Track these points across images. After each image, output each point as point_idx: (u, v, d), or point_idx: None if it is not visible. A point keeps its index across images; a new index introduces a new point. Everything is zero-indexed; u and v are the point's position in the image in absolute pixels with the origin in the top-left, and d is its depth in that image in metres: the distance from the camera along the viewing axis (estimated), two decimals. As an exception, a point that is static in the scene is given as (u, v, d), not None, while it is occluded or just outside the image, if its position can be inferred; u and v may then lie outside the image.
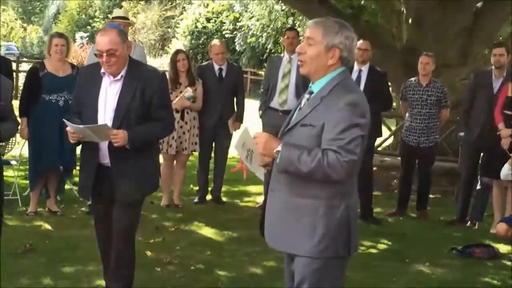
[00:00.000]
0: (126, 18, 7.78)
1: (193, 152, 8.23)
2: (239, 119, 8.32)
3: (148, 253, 6.05)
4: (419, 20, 10.48)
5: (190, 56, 8.92)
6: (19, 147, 8.16)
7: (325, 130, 3.08)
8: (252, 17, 26.77)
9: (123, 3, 38.87)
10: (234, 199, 8.82)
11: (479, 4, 10.63)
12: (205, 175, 8.41)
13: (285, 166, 3.11)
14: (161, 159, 8.04)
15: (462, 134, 8.02)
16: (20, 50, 42.40)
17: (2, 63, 7.11)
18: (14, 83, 5.28)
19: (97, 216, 4.83)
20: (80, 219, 7.15)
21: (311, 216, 3.17)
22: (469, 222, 7.86)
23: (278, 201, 3.28)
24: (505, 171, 6.70)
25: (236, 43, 30.85)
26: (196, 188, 8.64)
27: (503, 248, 6.74)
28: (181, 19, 37.42)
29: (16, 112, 4.83)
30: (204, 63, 8.96)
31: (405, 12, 11.09)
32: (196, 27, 34.57)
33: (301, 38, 9.51)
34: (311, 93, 3.27)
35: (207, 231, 7.05)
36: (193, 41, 34.50)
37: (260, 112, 8.21)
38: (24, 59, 33.32)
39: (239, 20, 29.75)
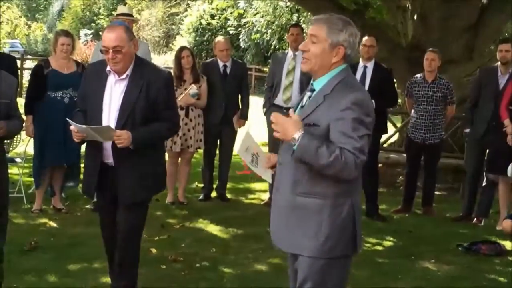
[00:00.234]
0: (130, 15, 7.78)
1: (198, 149, 8.23)
2: (244, 116, 8.32)
3: (153, 250, 6.05)
4: (424, 16, 10.44)
5: (194, 53, 8.90)
6: (24, 145, 8.17)
7: (333, 130, 3.04)
8: (257, 13, 26.73)
9: (127, 0, 38.92)
10: (239, 196, 8.81)
11: (484, 0, 10.59)
12: (210, 172, 8.41)
13: (302, 154, 3.02)
14: (165, 156, 8.05)
15: (467, 130, 7.99)
16: (25, 48, 42.52)
17: (7, 60, 7.11)
18: (19, 80, 5.27)
19: (101, 215, 4.79)
20: (85, 217, 7.15)
21: (316, 216, 3.14)
22: (475, 219, 7.84)
23: (282, 200, 3.25)
24: (511, 167, 6.68)
25: (240, 40, 30.83)
26: (201, 185, 8.64)
27: (509, 244, 6.72)
28: (186, 16, 37.43)
29: (21, 110, 4.81)
30: (209, 60, 8.97)
31: (410, 8, 11.05)
32: (201, 24, 34.58)
33: (305, 34, 9.49)
34: (312, 90, 3.23)
35: (212, 228, 7.05)
36: (197, 38, 34.52)
37: (264, 109, 8.20)
38: (29, 56, 33.35)
39: (244, 16, 29.71)
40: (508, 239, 6.68)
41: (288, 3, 22.42)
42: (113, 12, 8.33)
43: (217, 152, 8.51)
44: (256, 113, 9.29)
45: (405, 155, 8.71)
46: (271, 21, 25.46)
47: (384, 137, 9.37)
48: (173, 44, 37.29)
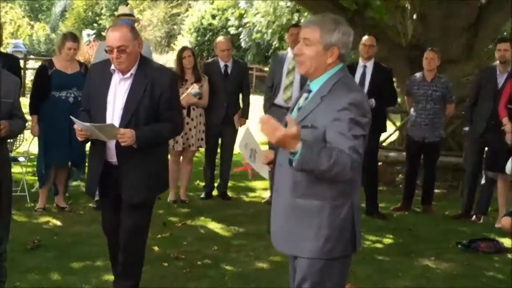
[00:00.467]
0: (131, 15, 7.81)
1: (200, 148, 8.27)
2: (245, 115, 8.37)
3: (155, 248, 6.09)
4: (423, 16, 10.47)
5: (195, 53, 8.95)
6: (27, 144, 8.21)
7: (330, 130, 3.03)
8: (257, 13, 26.74)
9: (129, 1, 38.93)
10: (240, 195, 8.85)
11: (483, 0, 10.62)
12: (211, 171, 8.45)
13: (302, 166, 2.95)
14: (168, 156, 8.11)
15: (467, 129, 8.03)
16: (27, 48, 42.49)
17: (10, 60, 7.15)
18: (22, 80, 5.31)
19: (103, 214, 4.79)
20: (88, 215, 7.20)
21: (316, 218, 3.14)
22: (474, 217, 7.88)
23: (282, 202, 3.25)
24: (510, 165, 6.71)
25: (241, 40, 30.83)
26: (203, 183, 8.68)
27: (508, 242, 6.75)
28: (187, 16, 37.42)
29: (24, 110, 4.84)
30: (210, 59, 8.99)
31: (409, 8, 11.08)
32: (202, 24, 34.58)
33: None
34: (309, 91, 3.23)
35: (214, 227, 7.09)
36: (198, 38, 34.52)
37: (264, 109, 8.23)
38: (31, 56, 33.40)
39: (244, 16, 29.71)
40: (507, 237, 6.71)
41: (289, 3, 22.44)
42: (115, 13, 8.34)
43: (219, 151, 8.55)
44: (257, 112, 9.31)
45: (404, 153, 8.75)
46: (271, 21, 25.46)
47: (383, 136, 9.41)
48: (174, 44, 37.28)
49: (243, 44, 31.18)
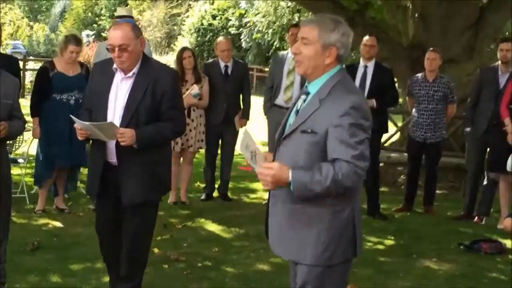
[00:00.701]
0: (130, 17, 7.76)
1: (200, 149, 8.25)
2: (245, 116, 8.35)
3: (156, 250, 6.06)
4: (425, 15, 10.45)
5: (196, 54, 8.92)
6: (26, 146, 8.19)
7: (330, 136, 2.99)
8: (258, 13, 26.75)
9: (129, 1, 38.93)
10: (241, 196, 8.84)
11: (484, 0, 10.61)
12: (211, 172, 8.43)
13: (301, 193, 2.99)
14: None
15: (468, 129, 8.00)
16: (27, 49, 42.51)
17: (9, 61, 7.13)
18: (21, 81, 5.31)
19: (98, 214, 4.72)
20: (87, 217, 7.17)
21: (316, 224, 3.10)
22: (476, 218, 7.86)
23: (281, 208, 3.20)
24: (510, 162, 6.68)
25: (242, 40, 30.83)
26: (203, 185, 8.66)
27: (510, 243, 6.74)
28: (187, 17, 37.42)
29: (24, 111, 4.82)
30: (210, 60, 8.97)
31: (410, 7, 11.07)
32: (202, 24, 34.58)
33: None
34: (307, 93, 3.19)
35: (214, 228, 7.07)
36: (199, 39, 34.51)
37: (265, 110, 8.21)
38: (31, 57, 33.38)
39: (245, 16, 29.72)
40: (509, 238, 6.70)
41: (289, 3, 22.44)
42: (115, 13, 8.29)
43: (219, 152, 8.53)
44: (257, 113, 9.30)
45: (406, 154, 8.73)
46: (272, 21, 25.47)
47: (385, 137, 9.39)
48: (174, 44, 37.28)
49: (243, 45, 31.19)
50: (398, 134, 11.05)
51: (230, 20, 32.35)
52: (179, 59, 7.97)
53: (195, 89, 7.76)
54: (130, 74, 4.31)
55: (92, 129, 4.22)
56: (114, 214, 4.51)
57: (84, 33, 43.56)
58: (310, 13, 16.01)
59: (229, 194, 8.57)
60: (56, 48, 7.43)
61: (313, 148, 3.04)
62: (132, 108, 4.27)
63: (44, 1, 57.24)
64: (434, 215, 8.12)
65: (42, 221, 6.98)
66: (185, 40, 35.10)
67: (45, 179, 7.24)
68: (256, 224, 7.10)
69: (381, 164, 8.95)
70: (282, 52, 8.49)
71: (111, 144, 4.32)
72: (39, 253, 5.88)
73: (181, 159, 8.15)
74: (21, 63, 18.12)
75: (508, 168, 6.65)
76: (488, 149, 7.80)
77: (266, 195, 8.55)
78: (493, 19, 10.44)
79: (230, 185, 8.73)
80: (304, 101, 3.18)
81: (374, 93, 7.44)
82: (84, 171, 7.69)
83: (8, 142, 6.10)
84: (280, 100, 7.90)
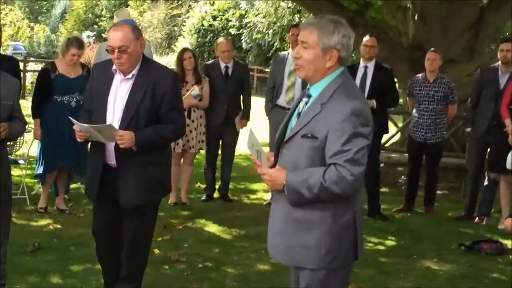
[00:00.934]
0: None
1: (200, 150, 8.24)
2: (246, 116, 8.34)
3: (156, 251, 6.06)
4: (425, 16, 10.45)
5: (196, 54, 8.92)
6: (26, 147, 8.19)
7: (329, 142, 2.97)
8: (258, 14, 26.74)
9: (130, 2, 38.93)
10: (241, 197, 8.83)
11: (484, 0, 10.61)
12: (212, 172, 8.43)
13: (294, 198, 3.03)
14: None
15: (468, 129, 8.00)
16: (27, 50, 42.52)
17: (9, 62, 7.12)
18: (21, 82, 5.30)
19: (96, 215, 4.68)
20: (88, 218, 7.13)
21: (317, 228, 3.09)
22: (476, 218, 7.85)
23: (281, 212, 3.18)
24: (510, 159, 6.68)
25: (242, 41, 30.82)
26: (203, 186, 8.65)
27: (511, 243, 6.73)
28: (187, 17, 37.42)
29: (24, 112, 4.81)
30: (210, 61, 8.97)
31: (411, 8, 11.07)
32: (202, 25, 34.58)
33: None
34: (309, 96, 3.16)
35: (215, 229, 7.07)
36: (199, 39, 34.51)
37: (266, 110, 8.21)
38: (31, 58, 33.41)
39: (245, 16, 29.71)
40: (510, 238, 6.69)
41: (290, 4, 22.42)
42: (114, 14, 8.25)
43: (219, 152, 8.53)
44: (258, 113, 9.31)
45: (406, 154, 8.72)
46: (272, 22, 25.46)
47: (385, 137, 9.38)
48: (175, 45, 37.28)
49: (244, 45, 31.17)
50: (399, 134, 11.04)
51: (230, 20, 32.34)
52: (180, 60, 7.97)
53: (195, 90, 7.76)
54: (130, 75, 4.28)
55: (91, 131, 4.20)
56: (113, 215, 4.49)
57: (85, 34, 43.62)
58: (310, 14, 16.02)
59: (229, 195, 8.56)
60: (58, 49, 7.40)
61: (313, 153, 3.03)
62: (131, 110, 4.25)
63: (45, 2, 57.23)
64: (435, 215, 8.12)
65: (43, 222, 6.97)
66: (185, 41, 35.11)
67: (46, 177, 7.23)
68: (257, 225, 7.09)
69: (381, 165, 8.94)
70: (283, 53, 8.49)
71: (110, 146, 4.30)
72: (40, 254, 5.87)
73: (182, 160, 8.14)
74: (21, 64, 18.17)
75: (508, 166, 6.67)
76: (488, 150, 7.80)
77: (266, 196, 8.58)
78: (494, 19, 10.44)
79: (231, 186, 8.73)
80: (306, 103, 3.15)
81: (374, 93, 7.43)
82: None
83: (8, 143, 6.11)
84: (281, 100, 7.90)
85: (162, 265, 5.72)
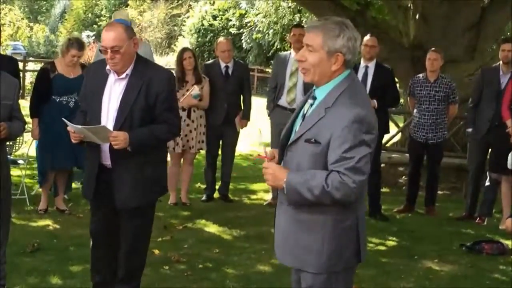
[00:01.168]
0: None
1: (200, 150, 8.23)
2: (246, 116, 8.33)
3: (156, 251, 6.05)
4: (426, 16, 10.44)
5: (196, 54, 8.91)
6: (26, 147, 8.17)
7: (331, 148, 2.95)
8: (259, 13, 26.73)
9: (129, 1, 38.93)
10: (241, 197, 8.82)
11: (485, 0, 10.60)
12: (212, 173, 8.41)
13: (293, 197, 3.02)
14: (168, 157, 8.05)
15: (470, 130, 7.98)
16: (27, 50, 42.48)
17: (9, 62, 7.10)
18: (21, 82, 5.26)
19: (93, 216, 4.67)
20: (87, 218, 7.05)
21: (320, 232, 3.07)
22: (478, 218, 7.84)
23: (286, 214, 3.18)
24: (510, 160, 6.67)
25: (243, 41, 30.82)
26: (204, 186, 8.64)
27: (512, 244, 6.73)
28: (187, 17, 37.45)
29: (24, 112, 4.80)
30: (211, 61, 8.96)
31: (412, 7, 11.06)
32: (203, 25, 34.59)
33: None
34: (314, 98, 3.13)
35: (215, 229, 7.05)
36: (199, 39, 34.52)
37: (268, 110, 8.19)
38: (31, 58, 33.37)
39: (246, 16, 29.71)
40: (511, 239, 6.67)
41: (290, 4, 22.42)
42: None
43: (219, 153, 8.51)
44: (258, 113, 9.29)
45: (407, 154, 8.71)
46: (273, 21, 25.45)
47: (386, 137, 9.38)
48: (175, 45, 37.29)
49: (244, 45, 31.18)
50: (400, 134, 11.04)
51: (230, 20, 32.35)
52: (180, 59, 7.95)
53: (195, 90, 7.75)
54: (124, 75, 4.26)
55: (84, 132, 4.18)
56: (111, 215, 4.48)
57: (84, 34, 43.60)
58: (311, 14, 16.00)
59: (229, 195, 8.55)
60: (58, 49, 7.36)
61: (316, 158, 3.01)
62: (125, 110, 4.22)
63: (44, 2, 57.24)
64: (436, 216, 8.11)
65: (42, 222, 6.96)
66: (185, 41, 35.12)
67: (45, 178, 7.22)
68: (257, 225, 7.09)
69: (382, 165, 8.94)
70: (284, 53, 8.48)
71: (105, 147, 4.28)
72: (39, 255, 5.86)
73: (182, 160, 8.12)
74: (21, 64, 18.17)
75: (509, 166, 6.66)
76: (489, 150, 7.78)
77: (266, 196, 8.57)
78: (494, 19, 10.43)
79: (231, 186, 8.71)
80: (311, 105, 3.12)
81: (375, 93, 7.41)
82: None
83: (8, 143, 6.10)
84: (283, 101, 7.89)
85: (162, 265, 5.70)
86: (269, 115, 8.20)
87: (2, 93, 4.40)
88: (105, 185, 4.34)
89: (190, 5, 37.87)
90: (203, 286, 5.30)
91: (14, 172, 7.43)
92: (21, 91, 5.74)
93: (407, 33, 11.20)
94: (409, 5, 11.22)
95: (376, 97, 7.37)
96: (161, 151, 4.58)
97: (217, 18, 34.00)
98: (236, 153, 8.61)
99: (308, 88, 7.61)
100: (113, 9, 42.00)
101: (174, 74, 7.92)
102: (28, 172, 8.40)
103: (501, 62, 7.61)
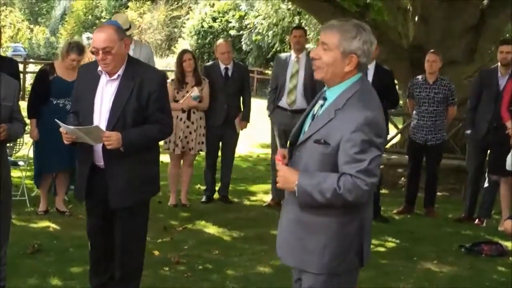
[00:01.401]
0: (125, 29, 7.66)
1: (200, 152, 8.24)
2: (246, 118, 8.34)
3: (156, 252, 6.06)
4: (425, 17, 10.46)
5: (196, 56, 8.91)
6: (26, 148, 8.18)
7: (341, 150, 2.95)
8: (258, 15, 26.72)
9: (130, 3, 38.93)
10: (241, 198, 8.82)
11: (485, 1, 10.61)
12: (212, 174, 8.42)
13: (304, 200, 2.99)
14: (168, 159, 8.07)
15: (468, 131, 8.00)
16: (27, 51, 42.49)
17: (9, 64, 7.11)
18: (21, 84, 5.26)
19: (88, 216, 4.68)
20: (88, 219, 7.16)
21: (323, 234, 3.07)
22: (477, 220, 7.85)
23: (291, 214, 3.18)
24: (510, 160, 6.67)
25: (242, 43, 30.81)
26: (203, 187, 8.64)
27: (511, 245, 6.72)
28: (187, 19, 37.43)
29: (23, 113, 4.81)
30: (210, 62, 8.97)
31: (411, 9, 11.07)
32: (202, 26, 34.58)
33: (308, 36, 9.50)
34: (325, 99, 3.12)
35: (215, 230, 7.06)
36: (199, 41, 34.50)
37: (269, 111, 8.20)
38: (31, 60, 33.36)
39: (245, 18, 29.69)
40: (510, 240, 6.67)
41: (290, 6, 22.42)
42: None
43: (219, 154, 8.52)
44: (258, 115, 9.29)
45: (406, 156, 8.72)
46: (272, 23, 25.44)
47: (386, 139, 9.36)
48: (175, 47, 37.26)
49: (244, 47, 31.15)
50: (399, 136, 11.05)
51: (230, 22, 32.33)
52: (179, 61, 7.96)
53: (195, 91, 7.76)
54: (115, 76, 4.27)
55: (77, 133, 4.19)
56: (106, 216, 4.49)
57: (85, 36, 43.57)
58: (310, 16, 16.01)
59: (229, 196, 8.55)
60: (58, 51, 7.35)
61: (324, 159, 3.01)
62: (118, 111, 4.24)
63: (45, 4, 57.29)
64: (435, 217, 8.11)
65: (43, 223, 6.96)
66: (185, 43, 35.10)
67: (42, 180, 7.23)
68: (257, 226, 7.10)
69: (381, 166, 8.93)
70: (285, 54, 8.48)
71: (98, 147, 4.29)
72: (39, 256, 5.86)
73: (182, 161, 8.13)
74: (21, 66, 18.16)
75: (508, 168, 6.66)
76: (488, 151, 7.79)
77: (266, 198, 8.58)
78: (494, 21, 10.45)
79: (231, 187, 8.72)
80: (321, 106, 3.12)
81: (374, 95, 7.42)
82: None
83: (8, 144, 6.10)
84: (283, 102, 7.90)
85: (162, 266, 5.70)
86: (269, 116, 8.21)
87: (2, 95, 4.42)
88: (99, 185, 4.35)
89: (190, 7, 37.88)
90: (203, 287, 5.31)
91: (15, 173, 7.43)
92: (21, 93, 5.75)
93: (406, 35, 11.21)
94: (408, 7, 11.24)
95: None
96: (153, 151, 4.57)
97: (217, 20, 33.98)
98: (236, 155, 8.62)
99: (308, 90, 7.69)
100: (113, 11, 42.02)
101: (174, 76, 7.97)
102: (28, 173, 8.39)
103: (499, 64, 7.62)
